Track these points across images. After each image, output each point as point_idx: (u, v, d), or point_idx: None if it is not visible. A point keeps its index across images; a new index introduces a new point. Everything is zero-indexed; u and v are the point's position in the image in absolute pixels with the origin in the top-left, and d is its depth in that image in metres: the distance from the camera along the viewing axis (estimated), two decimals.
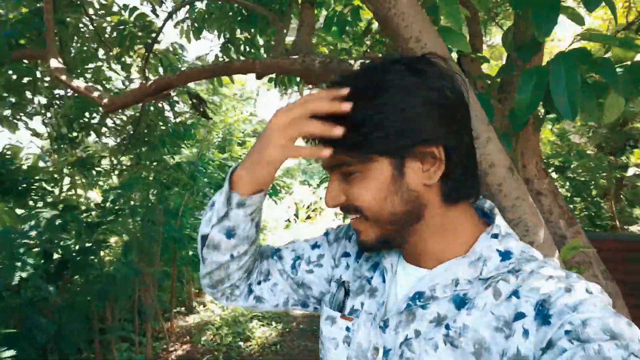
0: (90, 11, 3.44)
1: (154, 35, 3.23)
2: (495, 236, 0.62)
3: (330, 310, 0.72)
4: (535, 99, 1.09)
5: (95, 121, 4.32)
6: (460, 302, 0.58)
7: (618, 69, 1.08)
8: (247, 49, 3.50)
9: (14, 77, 3.27)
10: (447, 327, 0.57)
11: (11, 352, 2.67)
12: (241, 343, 4.75)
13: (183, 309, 5.67)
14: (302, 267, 0.80)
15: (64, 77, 2.22)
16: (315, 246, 0.82)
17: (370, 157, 0.59)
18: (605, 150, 4.72)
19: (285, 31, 2.37)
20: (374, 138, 0.57)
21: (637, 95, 1.11)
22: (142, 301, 4.36)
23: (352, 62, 1.80)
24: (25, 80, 3.36)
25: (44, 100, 4.01)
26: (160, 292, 5.17)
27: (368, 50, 3.39)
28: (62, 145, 4.25)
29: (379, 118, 0.57)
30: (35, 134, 4.26)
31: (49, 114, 4.23)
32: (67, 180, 4.58)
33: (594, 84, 1.09)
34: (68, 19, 2.99)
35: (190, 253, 5.50)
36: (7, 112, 3.62)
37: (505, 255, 0.60)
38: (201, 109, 3.77)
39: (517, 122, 1.29)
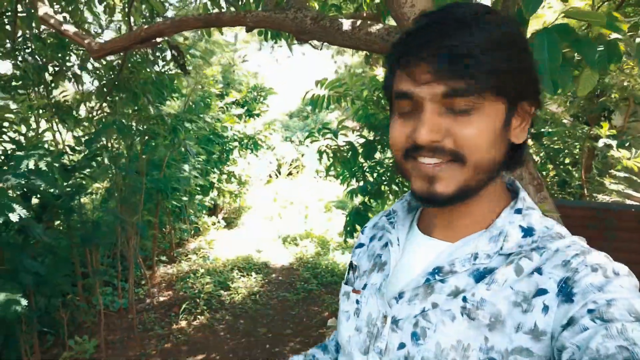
0: None
1: None
2: (518, 211, 0.61)
3: (346, 286, 0.75)
4: None
5: (73, 67, 4.20)
6: (480, 276, 0.58)
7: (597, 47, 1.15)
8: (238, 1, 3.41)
9: None
10: (465, 299, 0.57)
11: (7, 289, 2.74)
12: (222, 291, 4.93)
13: (164, 257, 5.78)
14: None
15: (52, 21, 2.16)
16: None
17: (493, 95, 0.55)
18: (581, 121, 4.87)
19: None
20: (509, 76, 0.55)
21: (610, 71, 1.19)
22: (124, 248, 4.44)
23: (343, 21, 1.81)
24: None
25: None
26: (142, 240, 5.25)
27: (359, 8, 3.35)
28: (34, 88, 4.14)
29: (519, 59, 0.56)
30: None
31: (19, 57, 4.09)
32: (43, 125, 4.49)
33: (572, 59, 1.16)
34: None
35: (174, 204, 5.57)
36: None
37: (528, 231, 0.59)
38: (180, 62, 3.72)
39: None
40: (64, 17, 3.74)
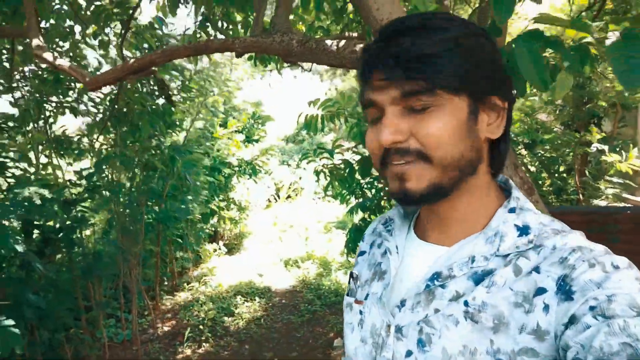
0: None
1: (130, 12, 3.23)
2: (512, 210, 0.61)
3: (348, 298, 0.74)
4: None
5: (69, 99, 4.29)
6: (479, 279, 0.58)
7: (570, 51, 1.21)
8: (225, 26, 3.51)
9: None
10: (466, 303, 0.57)
11: (10, 322, 2.72)
12: (226, 318, 4.89)
13: (167, 287, 5.75)
14: None
15: (46, 56, 2.23)
16: None
17: (450, 92, 0.56)
18: (572, 128, 4.95)
19: (263, 9, 2.41)
20: (465, 72, 0.56)
21: (584, 73, 1.25)
22: (126, 279, 4.43)
23: (329, 41, 1.88)
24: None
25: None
26: (144, 269, 5.24)
27: (345, 28, 3.45)
28: (32, 125, 4.22)
29: (475, 56, 0.57)
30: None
31: (17, 94, 4.19)
32: (43, 160, 4.55)
33: (547, 63, 1.22)
34: None
35: (174, 234, 5.58)
36: None
37: (523, 230, 0.59)
38: (167, 94, 3.82)
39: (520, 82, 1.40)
40: (60, 53, 3.85)
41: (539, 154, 5.07)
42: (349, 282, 0.77)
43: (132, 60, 2.22)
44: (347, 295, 0.75)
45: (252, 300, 5.45)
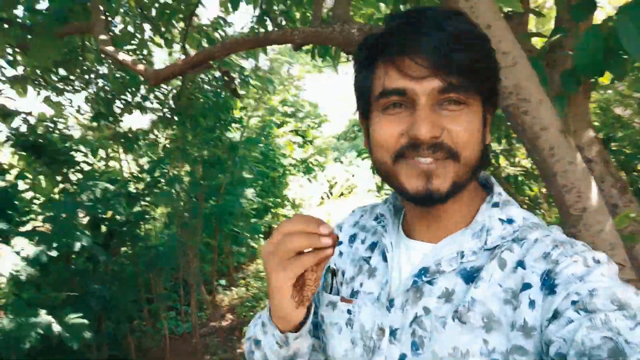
0: None
1: (193, 8, 3.25)
2: (495, 205, 0.61)
3: (330, 295, 0.70)
4: (597, 58, 1.05)
5: (137, 98, 4.44)
6: (468, 276, 0.57)
7: None
8: (283, 22, 3.48)
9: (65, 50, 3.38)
10: (456, 303, 0.56)
11: (78, 315, 2.83)
12: None
13: (224, 282, 5.85)
14: None
15: (110, 50, 2.26)
16: None
17: (476, 93, 0.56)
18: None
19: (322, 1, 2.33)
20: (486, 75, 0.56)
21: None
22: (185, 272, 4.52)
23: None
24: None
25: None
26: (203, 264, 5.35)
27: None
28: (102, 122, 4.41)
29: (494, 60, 0.58)
30: (78, 111, 4.45)
31: (90, 90, 4.40)
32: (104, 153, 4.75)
33: None
34: None
35: (231, 228, 5.65)
36: (49, 93, 3.75)
37: (508, 222, 0.59)
38: (232, 87, 3.81)
39: (572, 84, 1.25)
40: (128, 52, 3.98)
41: (617, 151, 4.63)
42: (327, 278, 0.73)
43: (192, 55, 2.20)
44: (328, 292, 0.71)
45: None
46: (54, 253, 2.69)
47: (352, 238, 0.74)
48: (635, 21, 0.95)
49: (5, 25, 2.62)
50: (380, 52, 0.57)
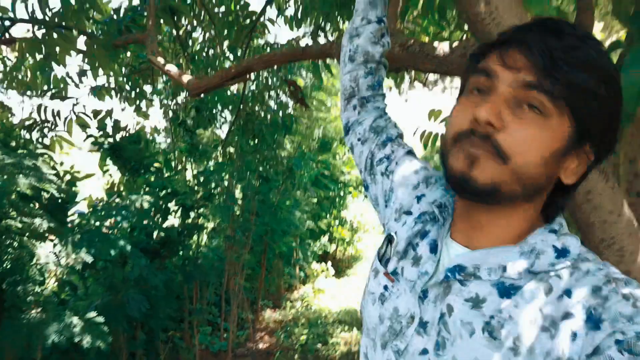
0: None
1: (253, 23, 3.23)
2: (553, 231, 0.57)
3: (378, 263, 0.69)
4: None
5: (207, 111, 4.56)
6: (505, 291, 0.54)
7: None
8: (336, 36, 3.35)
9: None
10: (490, 315, 0.53)
11: (102, 321, 2.84)
12: (319, 345, 4.62)
13: (270, 302, 5.72)
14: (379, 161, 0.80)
15: (159, 60, 2.26)
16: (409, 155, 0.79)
17: (565, 112, 0.52)
18: None
19: None
20: (587, 101, 0.52)
21: None
22: (230, 288, 4.45)
23: (437, 44, 1.56)
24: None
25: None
26: (250, 282, 5.27)
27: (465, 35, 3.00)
28: (179, 135, 4.58)
29: (605, 94, 0.52)
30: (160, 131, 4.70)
31: (171, 104, 4.62)
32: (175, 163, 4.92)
33: None
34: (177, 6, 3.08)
35: (283, 248, 5.53)
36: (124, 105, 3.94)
37: (562, 253, 0.55)
38: (299, 96, 3.71)
39: (624, 114, 0.97)
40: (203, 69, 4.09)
41: None
42: (384, 244, 0.71)
43: (231, 66, 2.14)
44: (379, 259, 0.69)
45: (350, 330, 5.09)
46: (88, 258, 2.71)
47: (421, 216, 0.70)
48: None
49: (74, 33, 2.74)
50: (497, 43, 0.57)
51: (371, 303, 0.67)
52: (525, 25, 0.56)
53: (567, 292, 0.52)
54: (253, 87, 4.40)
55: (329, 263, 7.35)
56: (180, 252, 4.15)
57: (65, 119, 3.36)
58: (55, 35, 2.63)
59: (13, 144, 3.04)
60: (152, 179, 4.08)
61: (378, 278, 0.67)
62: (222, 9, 3.69)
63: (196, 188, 4.48)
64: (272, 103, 4.59)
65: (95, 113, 3.68)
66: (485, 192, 0.54)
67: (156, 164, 4.33)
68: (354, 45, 0.85)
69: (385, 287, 0.65)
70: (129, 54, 3.61)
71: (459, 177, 0.55)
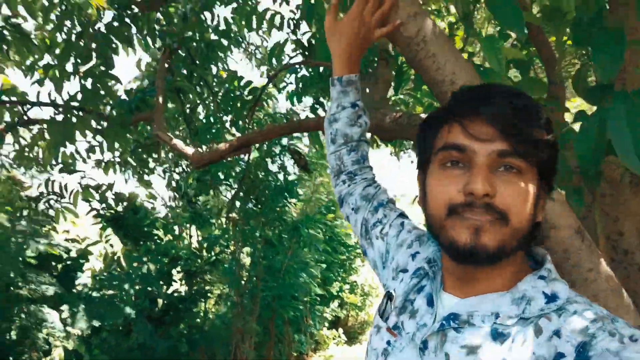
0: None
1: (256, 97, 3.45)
2: (542, 278, 0.60)
3: (379, 319, 0.72)
4: (598, 148, 0.89)
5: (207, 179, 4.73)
6: (499, 337, 0.56)
7: None
8: None
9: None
10: (482, 358, 0.55)
11: None
12: None
13: None
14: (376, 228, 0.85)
15: (164, 136, 2.44)
16: (402, 222, 0.84)
17: (534, 165, 0.58)
18: None
19: (367, 90, 2.35)
20: (547, 150, 0.59)
21: None
22: (237, 358, 4.36)
23: (422, 115, 1.72)
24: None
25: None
26: (258, 350, 5.15)
27: None
28: (181, 203, 4.72)
29: (554, 138, 0.60)
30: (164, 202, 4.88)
31: (175, 176, 4.82)
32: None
33: None
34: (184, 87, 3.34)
35: (292, 314, 5.44)
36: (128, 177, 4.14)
37: (552, 298, 0.57)
38: (302, 163, 3.88)
39: (587, 178, 1.08)
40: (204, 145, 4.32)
41: None
42: (384, 301, 0.74)
43: (233, 139, 2.30)
44: (380, 315, 0.72)
45: None
46: (95, 323, 2.75)
47: (416, 272, 0.74)
48: (631, 116, 0.77)
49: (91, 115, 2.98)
50: (450, 113, 0.61)
51: (374, 358, 0.69)
52: (468, 94, 0.61)
53: (557, 333, 0.54)
54: (256, 154, 4.59)
55: (341, 330, 7.16)
56: (185, 319, 4.14)
57: (71, 191, 3.54)
58: (74, 119, 2.87)
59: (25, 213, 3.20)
60: (153, 246, 4.17)
61: (380, 334, 0.69)
62: (226, 85, 3.97)
63: (198, 253, 4.54)
64: (275, 168, 4.77)
65: (97, 187, 3.86)
66: (495, 256, 0.57)
67: (156, 232, 4.42)
68: (333, 129, 0.94)
69: (388, 342, 0.67)
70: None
71: (469, 249, 0.57)
